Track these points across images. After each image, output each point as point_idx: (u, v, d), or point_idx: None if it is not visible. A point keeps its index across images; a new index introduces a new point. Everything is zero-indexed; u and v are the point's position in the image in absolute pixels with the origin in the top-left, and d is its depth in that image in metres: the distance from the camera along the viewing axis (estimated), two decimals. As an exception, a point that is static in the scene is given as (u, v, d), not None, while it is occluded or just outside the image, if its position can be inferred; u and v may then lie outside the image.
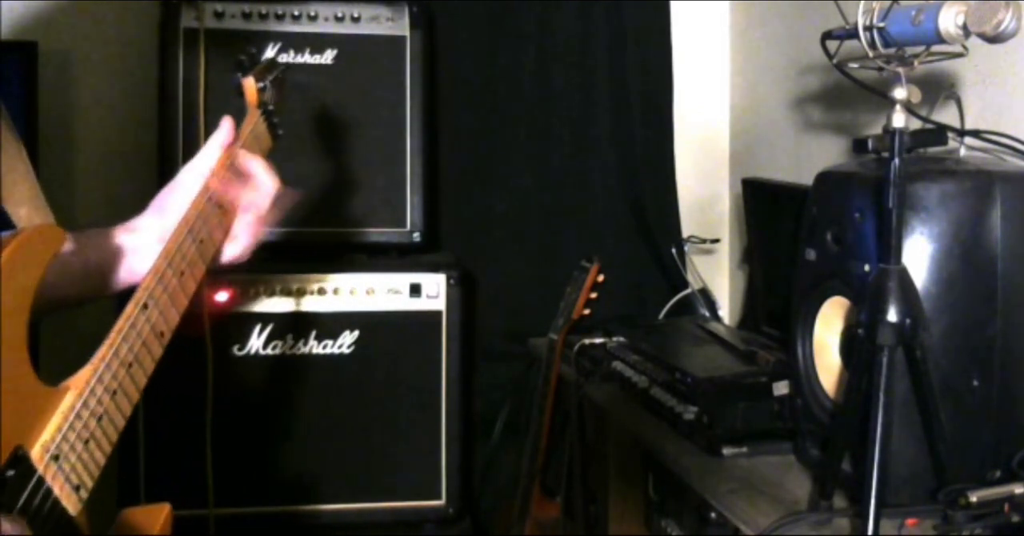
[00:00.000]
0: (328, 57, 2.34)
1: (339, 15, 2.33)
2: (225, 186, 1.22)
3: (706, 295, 2.59)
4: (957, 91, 1.83)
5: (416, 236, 2.37)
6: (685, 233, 2.80)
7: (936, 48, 1.40)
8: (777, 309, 2.22)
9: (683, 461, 1.77)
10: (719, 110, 2.92)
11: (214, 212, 1.19)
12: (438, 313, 2.28)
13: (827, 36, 1.53)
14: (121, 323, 1.01)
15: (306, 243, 2.30)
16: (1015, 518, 1.33)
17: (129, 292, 1.06)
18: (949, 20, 1.31)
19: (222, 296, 2.18)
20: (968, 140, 1.76)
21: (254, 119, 1.34)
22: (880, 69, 1.41)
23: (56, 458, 0.92)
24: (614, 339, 2.26)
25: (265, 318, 2.22)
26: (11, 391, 0.88)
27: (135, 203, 1.25)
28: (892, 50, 1.40)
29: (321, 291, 2.24)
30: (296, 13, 2.31)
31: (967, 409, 1.43)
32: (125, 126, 2.59)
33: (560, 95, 2.75)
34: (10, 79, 2.24)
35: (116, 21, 2.59)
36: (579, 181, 2.77)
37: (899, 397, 1.37)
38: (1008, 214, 1.44)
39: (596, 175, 2.78)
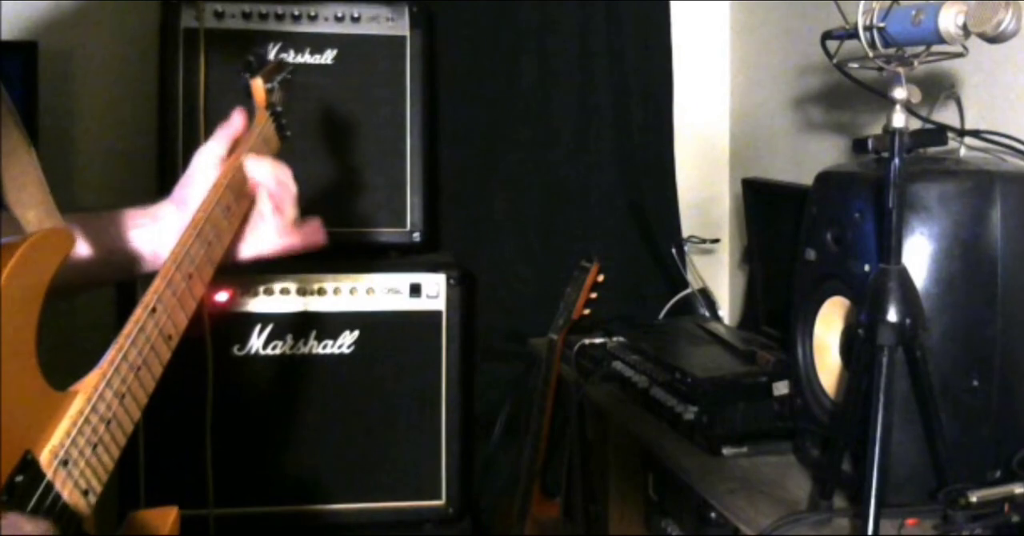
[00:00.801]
0: (328, 57, 2.34)
1: (339, 15, 2.33)
2: (234, 189, 1.22)
3: (706, 295, 2.59)
4: (957, 91, 1.82)
5: (416, 236, 2.37)
6: (685, 233, 2.80)
7: (936, 48, 1.39)
8: (777, 309, 2.21)
9: (683, 461, 1.77)
10: (719, 110, 2.92)
11: (223, 215, 1.20)
12: (438, 313, 2.28)
13: (827, 36, 1.52)
14: (130, 327, 1.01)
15: (306, 243, 2.30)
16: (1015, 518, 1.33)
17: (134, 283, 1.06)
18: (949, 20, 1.31)
19: (222, 296, 2.18)
20: (968, 140, 1.76)
21: (263, 121, 1.34)
22: (880, 69, 1.41)
23: (65, 463, 0.91)
24: (614, 339, 2.25)
25: (265, 318, 2.22)
26: (20, 396, 0.87)
27: (135, 203, 1.25)
28: (892, 50, 1.40)
29: (321, 291, 2.24)
30: (296, 13, 2.31)
31: (967, 409, 1.43)
32: (125, 126, 2.59)
33: (560, 95, 2.76)
34: (10, 79, 2.23)
35: (116, 21, 2.59)
36: (579, 181, 2.77)
37: (899, 397, 1.37)
38: (1008, 214, 1.44)
39: (596, 175, 2.78)
